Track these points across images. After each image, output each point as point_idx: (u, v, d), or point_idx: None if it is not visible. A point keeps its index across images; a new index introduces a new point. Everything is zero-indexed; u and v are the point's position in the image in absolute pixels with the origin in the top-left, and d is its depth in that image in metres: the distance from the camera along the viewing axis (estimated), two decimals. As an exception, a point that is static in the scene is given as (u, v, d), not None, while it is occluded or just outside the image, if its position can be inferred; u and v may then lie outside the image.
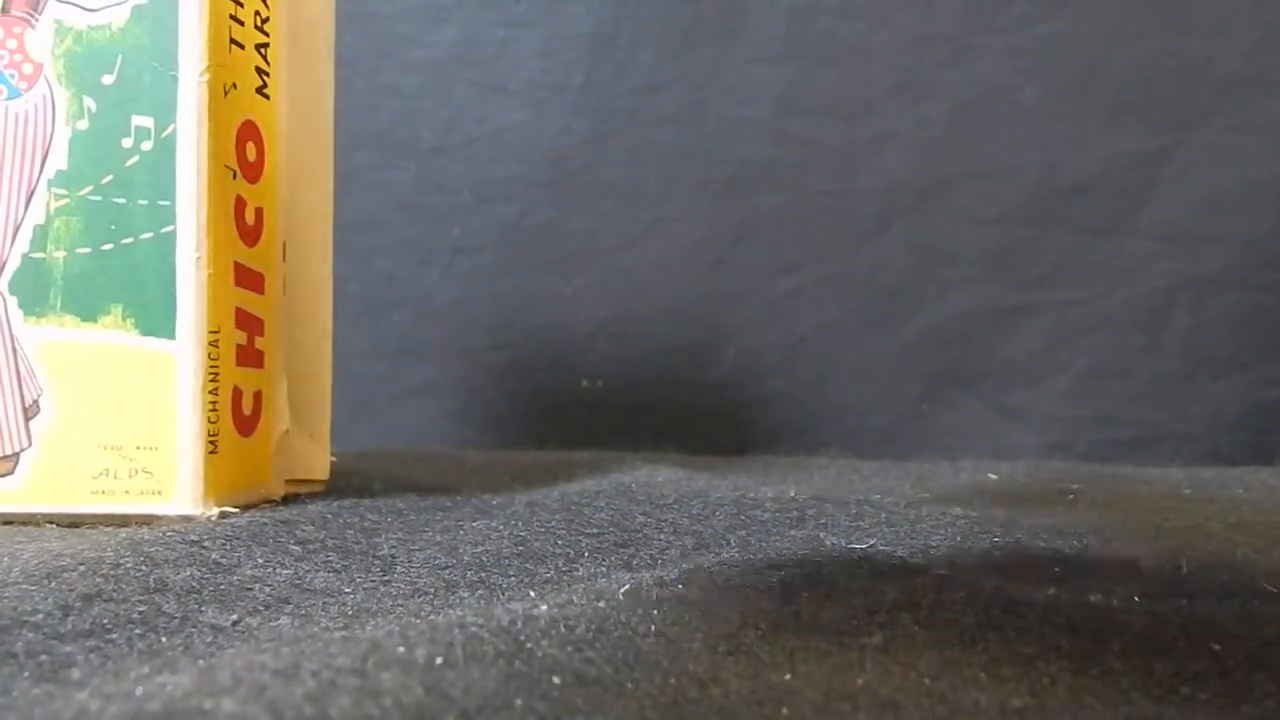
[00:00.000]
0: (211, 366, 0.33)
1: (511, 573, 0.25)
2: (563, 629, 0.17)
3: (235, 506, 0.33)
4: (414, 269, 0.60)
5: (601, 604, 0.19)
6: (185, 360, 0.32)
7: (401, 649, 0.16)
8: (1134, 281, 0.57)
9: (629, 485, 0.38)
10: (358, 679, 0.15)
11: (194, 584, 0.23)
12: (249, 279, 0.35)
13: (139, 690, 0.15)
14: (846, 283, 0.58)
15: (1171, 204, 0.57)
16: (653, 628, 0.18)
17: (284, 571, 0.25)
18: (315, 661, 0.16)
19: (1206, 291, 0.56)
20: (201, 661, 0.17)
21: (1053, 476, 0.44)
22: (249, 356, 0.35)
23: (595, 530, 0.30)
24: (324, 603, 0.22)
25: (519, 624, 0.17)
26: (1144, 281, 0.57)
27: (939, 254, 0.58)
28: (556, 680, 0.16)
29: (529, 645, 0.17)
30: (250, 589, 0.23)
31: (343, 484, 0.38)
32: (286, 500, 0.36)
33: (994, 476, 0.44)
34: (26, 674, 0.17)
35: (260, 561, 0.26)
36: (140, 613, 0.20)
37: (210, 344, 0.33)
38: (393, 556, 0.27)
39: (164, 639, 0.19)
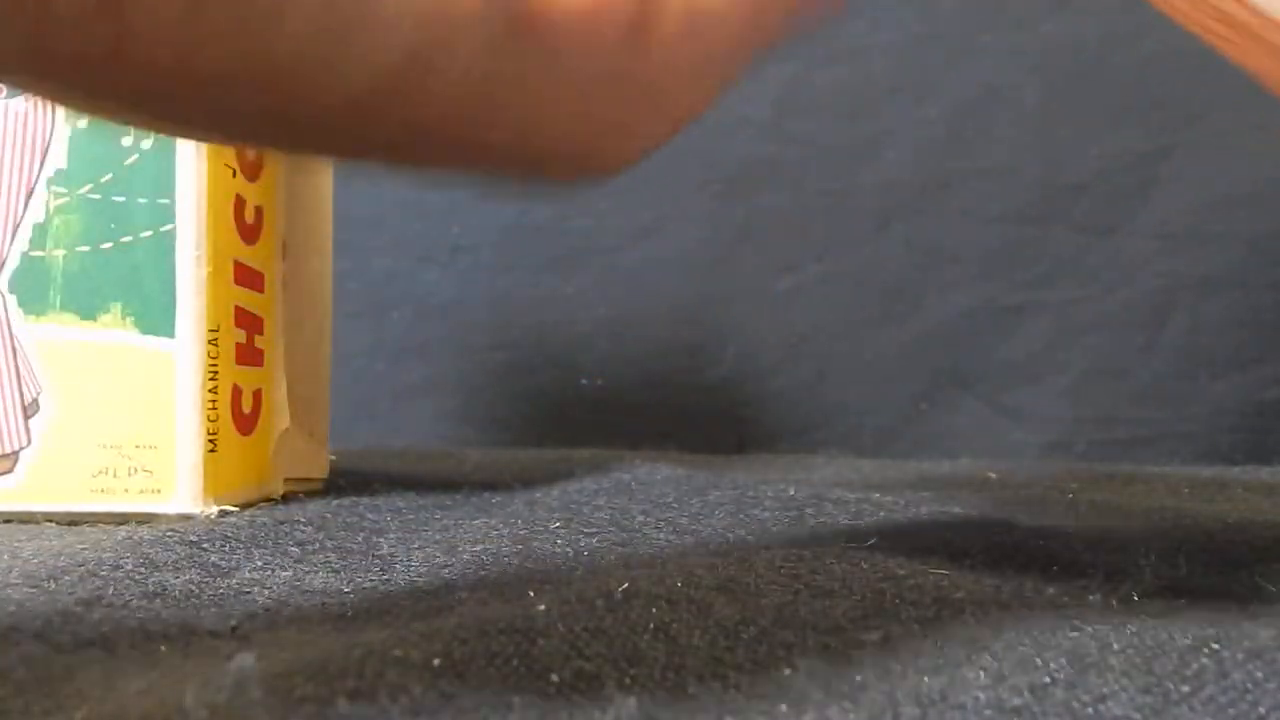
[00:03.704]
0: (211, 365, 0.33)
1: (511, 572, 0.25)
2: (561, 628, 0.17)
3: (234, 505, 0.33)
4: (413, 267, 0.60)
5: (600, 602, 0.19)
6: (185, 359, 0.32)
7: (400, 650, 0.16)
8: (1134, 281, 0.57)
9: (629, 484, 0.38)
10: (356, 681, 0.15)
11: (193, 588, 0.23)
12: (248, 277, 0.35)
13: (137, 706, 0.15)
14: (847, 282, 0.58)
15: (1171, 204, 0.57)
16: (651, 625, 0.18)
17: (283, 574, 0.25)
18: (313, 665, 0.16)
19: (1206, 291, 0.56)
20: (199, 671, 0.17)
21: (1053, 476, 0.44)
22: (248, 355, 0.35)
23: (595, 529, 0.30)
24: (323, 604, 0.22)
25: (518, 623, 0.17)
26: (1144, 281, 0.57)
27: (939, 253, 0.58)
28: (555, 679, 0.16)
29: (528, 644, 0.17)
30: (249, 592, 0.23)
31: (342, 483, 0.38)
32: (285, 499, 0.36)
33: (994, 476, 0.44)
34: (26, 686, 0.17)
35: (259, 564, 0.26)
36: (139, 619, 0.20)
37: (210, 342, 0.33)
38: (392, 556, 0.27)
39: (163, 647, 0.19)
